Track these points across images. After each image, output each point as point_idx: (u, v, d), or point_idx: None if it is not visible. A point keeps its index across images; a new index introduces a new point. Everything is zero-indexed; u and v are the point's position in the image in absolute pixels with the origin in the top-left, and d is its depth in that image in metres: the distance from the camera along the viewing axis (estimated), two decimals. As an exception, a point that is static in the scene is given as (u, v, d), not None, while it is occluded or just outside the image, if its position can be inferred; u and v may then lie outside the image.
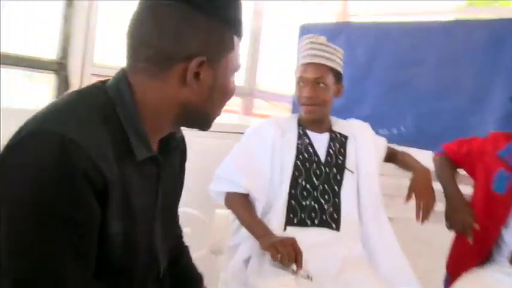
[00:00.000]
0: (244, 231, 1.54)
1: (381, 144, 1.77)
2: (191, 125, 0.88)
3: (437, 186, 1.72)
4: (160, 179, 0.85)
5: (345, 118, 2.93)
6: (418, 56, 2.71)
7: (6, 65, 2.09)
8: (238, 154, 1.67)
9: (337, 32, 3.10)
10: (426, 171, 1.63)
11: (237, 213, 1.57)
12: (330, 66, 1.60)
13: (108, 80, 0.81)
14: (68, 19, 2.11)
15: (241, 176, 1.58)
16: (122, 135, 0.75)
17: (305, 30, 3.26)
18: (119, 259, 0.76)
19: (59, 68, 2.13)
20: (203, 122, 0.87)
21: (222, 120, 2.66)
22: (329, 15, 4.15)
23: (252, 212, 1.55)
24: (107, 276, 0.76)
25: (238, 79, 3.50)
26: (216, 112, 0.86)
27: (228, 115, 3.33)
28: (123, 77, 0.79)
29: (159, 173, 0.84)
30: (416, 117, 2.69)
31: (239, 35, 0.83)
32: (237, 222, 1.61)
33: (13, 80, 2.22)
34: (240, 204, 1.57)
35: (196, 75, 0.77)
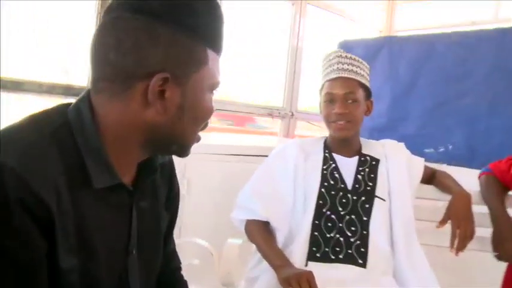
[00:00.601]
0: (265, 263, 1.44)
1: (416, 166, 1.62)
2: (165, 150, 0.82)
3: (482, 209, 1.56)
4: (133, 208, 0.79)
5: (386, 138, 2.84)
6: (466, 68, 2.57)
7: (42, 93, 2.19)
8: (258, 179, 1.59)
9: (379, 47, 3.01)
10: (466, 195, 1.49)
11: (255, 242, 1.48)
12: (359, 81, 1.50)
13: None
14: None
15: (259, 204, 1.50)
16: (78, 161, 0.70)
17: (344, 46, 3.18)
18: None
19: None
20: (177, 147, 0.79)
21: (257, 143, 2.66)
22: (372, 32, 4.04)
23: (271, 241, 1.45)
24: None
25: (278, 100, 3.49)
26: (189, 135, 0.78)
27: (266, 138, 3.28)
28: (85, 97, 0.74)
29: (132, 202, 0.79)
30: (465, 134, 2.54)
31: (215, 47, 0.75)
32: (259, 254, 1.51)
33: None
34: (259, 232, 1.48)
35: (162, 93, 0.70)
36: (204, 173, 2.02)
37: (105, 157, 0.72)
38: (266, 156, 1.66)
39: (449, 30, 3.13)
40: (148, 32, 0.69)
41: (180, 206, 2.09)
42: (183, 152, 0.80)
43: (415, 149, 2.66)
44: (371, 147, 1.61)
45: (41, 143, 0.67)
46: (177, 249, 1.05)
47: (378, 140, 2.70)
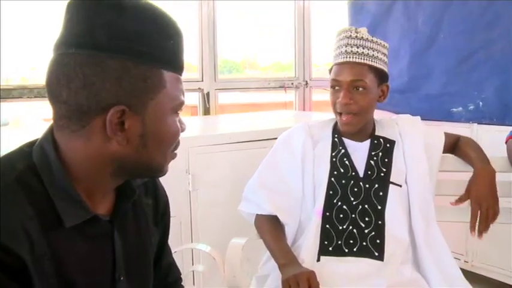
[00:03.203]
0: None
1: (435, 141, 1.53)
2: (138, 176, 0.84)
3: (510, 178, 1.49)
4: (114, 235, 0.81)
5: (408, 100, 2.69)
6: (493, 14, 2.36)
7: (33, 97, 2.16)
8: (264, 170, 1.54)
9: (392, 2, 2.80)
10: (490, 171, 1.41)
11: (263, 238, 1.46)
12: (370, 65, 1.38)
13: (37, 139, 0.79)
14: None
15: (265, 198, 1.46)
16: (47, 202, 0.71)
17: (354, 6, 3.00)
18: None
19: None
20: (149, 172, 0.81)
21: (268, 123, 2.55)
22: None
23: (278, 237, 1.42)
24: None
25: (290, 72, 3.36)
26: (159, 160, 0.79)
27: (280, 113, 3.15)
28: (48, 135, 0.76)
29: (113, 229, 0.81)
30: (496, 88, 2.37)
31: (172, 67, 0.75)
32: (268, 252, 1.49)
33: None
34: (267, 228, 1.45)
35: (121, 125, 0.72)
36: (210, 165, 1.99)
37: (75, 194, 0.73)
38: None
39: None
40: (96, 67, 0.69)
41: (184, 204, 2.04)
42: (158, 174, 0.83)
43: (442, 109, 2.55)
44: (385, 127, 1.52)
45: (5, 192, 0.68)
46: (179, 256, 1.07)
47: (398, 104, 2.55)
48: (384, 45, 1.43)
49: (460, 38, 2.47)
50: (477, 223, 1.34)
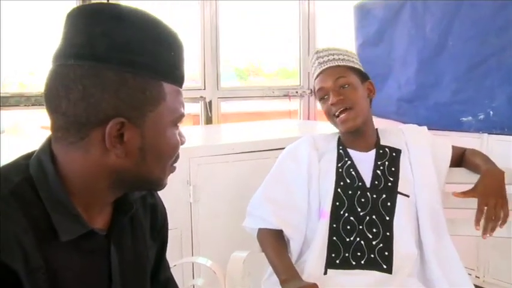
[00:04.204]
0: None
1: (443, 151, 1.53)
2: (137, 189, 0.85)
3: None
4: (111, 250, 0.81)
5: (416, 109, 2.65)
6: (505, 19, 2.31)
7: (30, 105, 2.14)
8: (269, 184, 1.54)
9: (400, 5, 2.81)
10: (498, 171, 1.40)
11: (265, 253, 1.45)
12: (347, 66, 1.47)
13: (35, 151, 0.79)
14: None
15: (270, 212, 1.46)
16: (43, 215, 0.72)
17: (361, 8, 2.96)
18: None
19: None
20: (148, 185, 0.82)
21: (272, 133, 2.52)
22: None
23: (281, 252, 1.42)
24: None
25: (293, 81, 3.32)
26: (158, 173, 0.80)
27: (284, 122, 3.11)
28: (46, 147, 0.76)
29: (109, 243, 0.81)
30: (509, 97, 2.32)
31: (172, 80, 0.76)
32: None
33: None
34: (270, 242, 1.45)
35: (121, 137, 0.72)
36: (212, 176, 1.97)
37: (71, 207, 0.74)
38: (283, 148, 1.62)
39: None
40: (95, 78, 0.70)
41: (185, 216, 2.03)
42: (157, 188, 0.84)
43: (451, 118, 2.51)
44: (390, 136, 1.54)
45: (1, 205, 0.69)
46: (179, 269, 1.07)
47: (406, 113, 2.51)
48: (351, 52, 1.53)
49: (471, 44, 2.43)
50: (482, 220, 1.31)
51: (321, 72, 1.47)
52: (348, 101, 1.42)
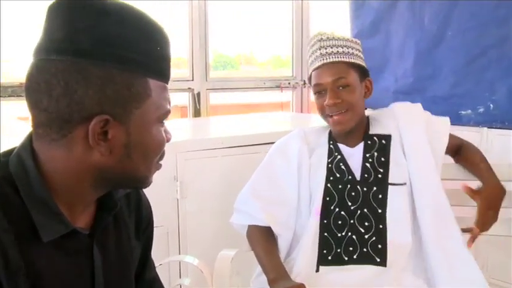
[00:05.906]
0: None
1: (440, 129, 1.52)
2: (121, 187, 0.85)
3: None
4: (94, 249, 0.82)
5: (413, 101, 2.59)
6: (506, 9, 2.28)
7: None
8: (258, 180, 1.55)
9: (395, -1, 2.73)
10: (500, 189, 1.42)
11: (254, 251, 1.46)
12: (349, 62, 1.44)
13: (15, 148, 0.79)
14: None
15: (259, 208, 1.46)
16: (24, 214, 0.72)
17: (355, 3, 2.92)
18: None
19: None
20: (133, 183, 0.82)
21: (263, 127, 2.49)
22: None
23: (270, 250, 1.42)
24: None
25: (286, 70, 3.28)
26: (143, 171, 0.80)
27: (276, 115, 3.07)
28: (27, 144, 0.76)
29: (92, 243, 0.81)
30: (509, 89, 2.30)
31: (158, 75, 0.76)
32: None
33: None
34: (258, 240, 1.45)
35: (104, 134, 0.72)
36: (200, 172, 1.96)
37: (53, 206, 0.74)
38: (274, 142, 1.62)
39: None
40: (78, 74, 0.69)
41: (172, 213, 2.01)
42: (142, 186, 0.84)
43: (449, 111, 2.46)
44: (381, 121, 1.54)
45: None
46: (165, 268, 1.09)
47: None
48: (356, 41, 1.49)
49: (470, 35, 2.41)
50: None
51: (321, 66, 1.43)
52: (344, 105, 1.42)
